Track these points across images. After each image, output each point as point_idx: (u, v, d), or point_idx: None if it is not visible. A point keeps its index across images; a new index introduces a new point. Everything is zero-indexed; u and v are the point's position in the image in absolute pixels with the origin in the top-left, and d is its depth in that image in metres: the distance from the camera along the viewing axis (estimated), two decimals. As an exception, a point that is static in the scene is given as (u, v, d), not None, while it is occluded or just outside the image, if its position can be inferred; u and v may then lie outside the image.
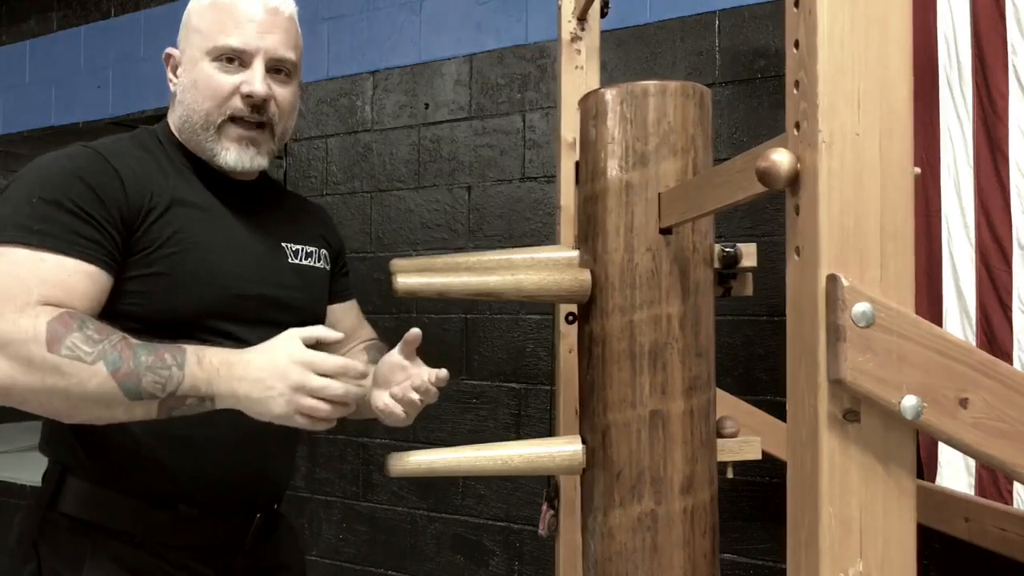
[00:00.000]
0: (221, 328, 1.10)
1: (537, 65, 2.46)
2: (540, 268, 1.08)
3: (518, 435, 2.41)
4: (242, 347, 1.02)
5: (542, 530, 1.60)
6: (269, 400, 0.95)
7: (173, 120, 1.20)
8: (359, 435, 2.66)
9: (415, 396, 1.06)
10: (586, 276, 1.03)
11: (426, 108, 2.63)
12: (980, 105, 1.71)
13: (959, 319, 1.72)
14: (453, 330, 2.51)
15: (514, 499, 2.43)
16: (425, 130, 2.63)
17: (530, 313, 2.43)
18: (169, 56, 1.21)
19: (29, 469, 4.08)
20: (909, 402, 0.63)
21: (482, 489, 2.48)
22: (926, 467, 1.74)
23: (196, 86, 1.13)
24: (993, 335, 1.68)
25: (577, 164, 1.13)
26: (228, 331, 1.10)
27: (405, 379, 1.09)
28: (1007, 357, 1.64)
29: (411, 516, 2.59)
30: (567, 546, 1.53)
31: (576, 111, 1.52)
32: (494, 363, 2.48)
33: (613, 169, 1.02)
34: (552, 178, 2.37)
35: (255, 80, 1.12)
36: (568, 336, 1.50)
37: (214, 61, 1.13)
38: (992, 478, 1.68)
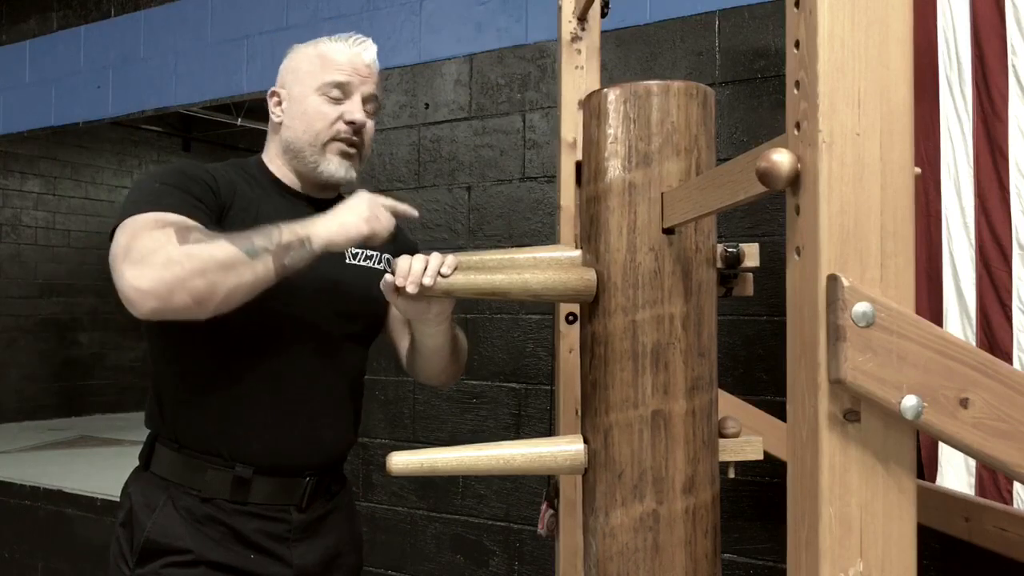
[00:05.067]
0: (278, 310, 1.28)
1: (537, 65, 2.46)
2: (545, 267, 1.08)
3: (518, 435, 2.41)
4: (295, 332, 1.32)
5: (541, 529, 1.60)
6: (355, 214, 1.18)
7: (271, 150, 1.44)
8: (359, 435, 2.66)
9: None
10: (591, 276, 1.03)
11: (426, 108, 2.63)
12: (980, 105, 1.71)
13: (959, 319, 1.73)
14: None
15: (514, 499, 2.43)
16: (425, 130, 2.63)
17: (530, 313, 2.43)
18: (275, 94, 1.44)
19: (29, 469, 4.08)
20: (909, 402, 0.63)
21: (482, 489, 2.48)
22: (926, 467, 1.74)
23: (307, 115, 1.38)
24: (993, 335, 1.68)
25: (579, 164, 1.13)
26: (286, 313, 1.30)
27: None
28: (1007, 357, 1.65)
29: (411, 516, 2.59)
30: (567, 546, 1.53)
31: (576, 111, 1.52)
32: (494, 363, 2.48)
33: (616, 169, 1.02)
34: (552, 178, 2.37)
35: (356, 110, 1.39)
36: (568, 336, 1.50)
37: (322, 95, 1.38)
38: (992, 478, 1.68)
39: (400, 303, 1.17)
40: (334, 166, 1.39)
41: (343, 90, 1.38)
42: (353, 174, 1.41)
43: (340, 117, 1.38)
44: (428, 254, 1.10)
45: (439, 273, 1.08)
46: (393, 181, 2.67)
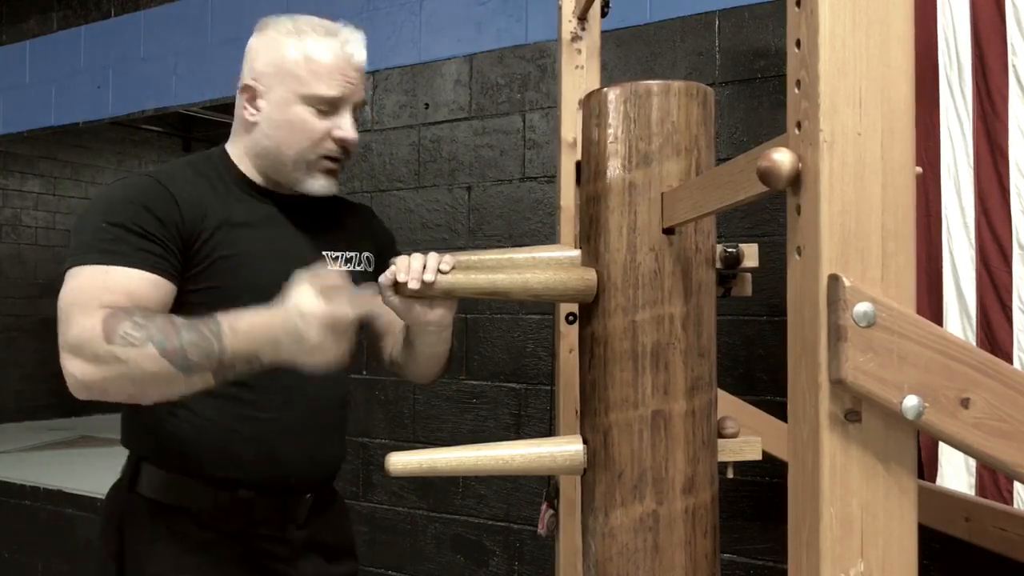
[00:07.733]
0: None
1: (537, 65, 2.46)
2: (545, 267, 1.08)
3: (518, 435, 2.41)
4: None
5: (541, 529, 1.60)
6: (308, 352, 1.05)
7: (240, 147, 1.33)
8: (359, 435, 2.66)
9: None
10: (592, 276, 1.03)
11: (426, 108, 2.63)
12: (980, 105, 1.71)
13: (959, 319, 1.73)
14: (453, 330, 2.51)
15: (514, 499, 2.43)
16: (425, 130, 2.63)
17: (530, 313, 2.43)
18: (248, 88, 1.30)
19: (29, 469, 4.08)
20: (910, 402, 0.63)
21: (482, 489, 2.48)
22: (926, 467, 1.74)
23: (291, 126, 1.26)
24: (993, 335, 1.68)
25: (579, 164, 1.13)
26: None
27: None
28: (1007, 357, 1.64)
29: (411, 516, 2.59)
30: (567, 546, 1.53)
31: (576, 111, 1.52)
32: (494, 363, 2.48)
33: (616, 169, 1.02)
34: (552, 178, 2.37)
35: (348, 127, 1.28)
36: (568, 336, 1.50)
37: (310, 107, 1.25)
38: (992, 478, 1.68)
39: (399, 304, 1.12)
40: (319, 185, 1.29)
41: (333, 104, 1.26)
42: (336, 189, 1.32)
43: (328, 134, 1.27)
44: (426, 254, 1.09)
45: (438, 270, 1.06)
46: (393, 181, 2.67)
